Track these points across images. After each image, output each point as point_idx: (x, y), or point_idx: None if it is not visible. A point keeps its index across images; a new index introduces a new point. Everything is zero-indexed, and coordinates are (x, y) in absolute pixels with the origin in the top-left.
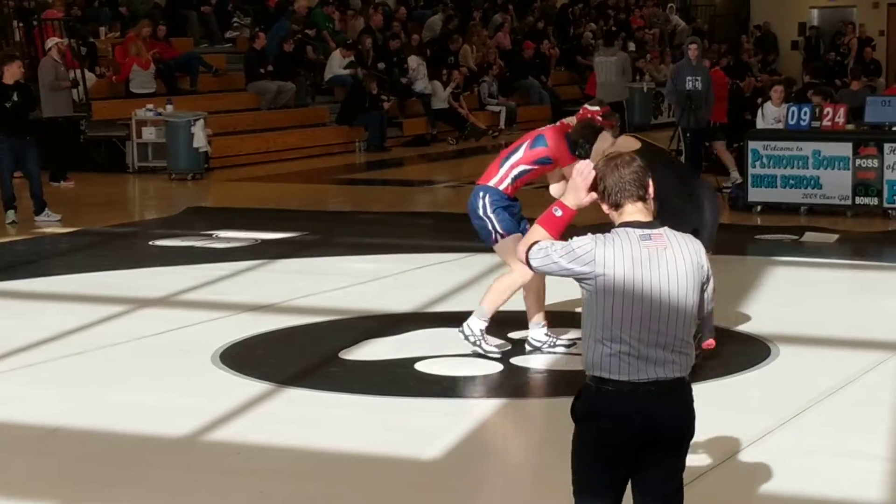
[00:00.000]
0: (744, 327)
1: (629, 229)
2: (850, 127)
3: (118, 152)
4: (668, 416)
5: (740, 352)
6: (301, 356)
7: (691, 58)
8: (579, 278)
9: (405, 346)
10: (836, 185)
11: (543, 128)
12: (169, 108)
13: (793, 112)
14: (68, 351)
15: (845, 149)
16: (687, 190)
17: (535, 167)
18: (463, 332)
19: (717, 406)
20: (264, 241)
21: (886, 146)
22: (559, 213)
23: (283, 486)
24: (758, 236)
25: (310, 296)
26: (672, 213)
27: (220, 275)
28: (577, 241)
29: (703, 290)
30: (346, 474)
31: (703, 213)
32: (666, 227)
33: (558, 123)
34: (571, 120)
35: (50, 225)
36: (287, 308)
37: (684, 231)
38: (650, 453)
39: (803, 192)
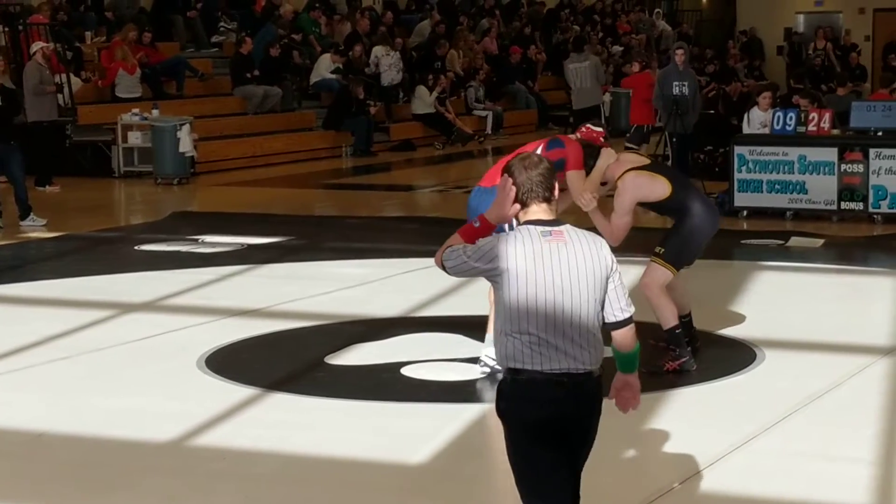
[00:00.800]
0: (729, 332)
1: (531, 227)
2: (835, 132)
3: (104, 157)
4: (578, 409)
5: (726, 356)
6: (287, 361)
7: (678, 63)
8: (488, 276)
9: (391, 350)
10: (822, 190)
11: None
12: (155, 112)
13: (778, 117)
14: (54, 356)
15: (831, 154)
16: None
17: None
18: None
19: (702, 410)
20: (250, 246)
21: (872, 151)
22: (477, 224)
23: (269, 491)
24: (744, 241)
25: (296, 300)
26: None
27: (206, 279)
28: (483, 241)
29: (607, 286)
30: (332, 479)
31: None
32: (568, 225)
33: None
34: (576, 137)
35: (35, 230)
36: (273, 313)
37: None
38: (561, 444)
39: (789, 197)
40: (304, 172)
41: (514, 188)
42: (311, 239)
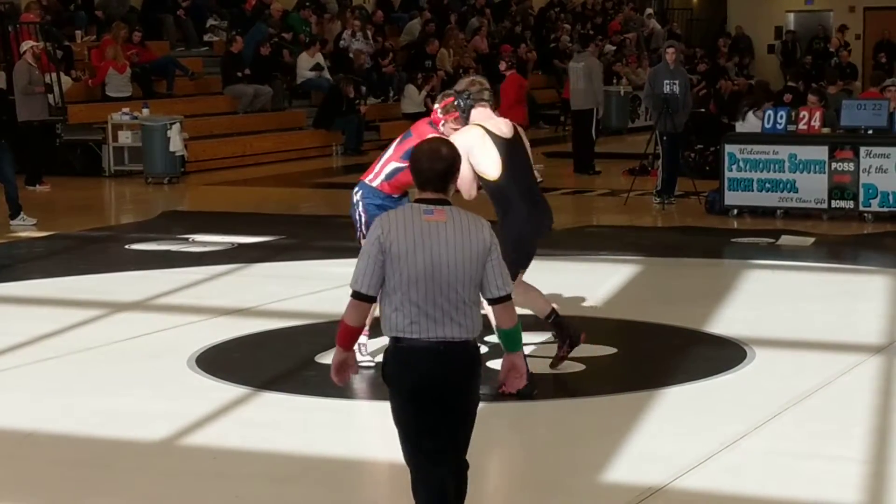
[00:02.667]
0: (719, 330)
1: (416, 205)
2: (825, 130)
3: (94, 156)
4: (453, 374)
5: (716, 355)
6: (278, 360)
7: (669, 62)
8: (382, 257)
9: (381, 349)
10: (812, 189)
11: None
12: (145, 111)
13: (769, 116)
14: (44, 355)
15: (821, 152)
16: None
17: (405, 163)
18: None
19: (692, 409)
20: (241, 245)
21: (862, 149)
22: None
23: (259, 490)
24: (734, 240)
25: (286, 299)
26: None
27: (196, 279)
28: (369, 234)
29: (486, 263)
30: (323, 478)
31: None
32: (452, 206)
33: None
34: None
35: (25, 229)
36: (263, 312)
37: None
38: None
39: (779, 196)
40: (294, 171)
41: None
42: (301, 238)
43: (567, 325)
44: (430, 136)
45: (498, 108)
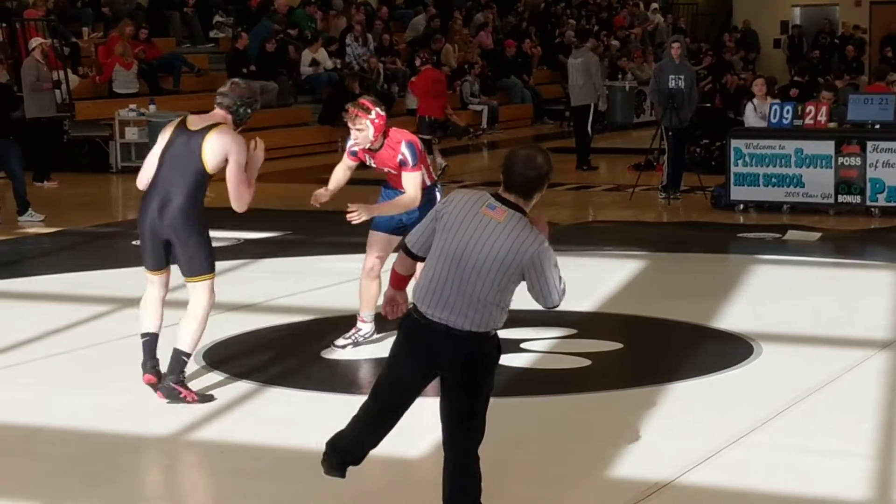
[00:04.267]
0: (726, 326)
1: (488, 195)
2: (832, 125)
3: (101, 152)
4: (450, 359)
5: (722, 350)
6: (284, 355)
7: (674, 57)
8: (435, 224)
9: (388, 345)
10: (819, 184)
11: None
12: (152, 108)
13: (775, 110)
14: (51, 351)
15: (828, 147)
16: None
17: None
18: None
19: (698, 405)
20: (247, 241)
21: (869, 144)
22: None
23: (267, 485)
24: (740, 235)
25: (292, 295)
26: None
27: None
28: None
29: (521, 277)
30: None
31: None
32: (518, 213)
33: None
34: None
35: (33, 225)
36: (270, 307)
37: None
38: (444, 382)
39: (786, 191)
40: (299, 167)
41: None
42: (307, 234)
43: None
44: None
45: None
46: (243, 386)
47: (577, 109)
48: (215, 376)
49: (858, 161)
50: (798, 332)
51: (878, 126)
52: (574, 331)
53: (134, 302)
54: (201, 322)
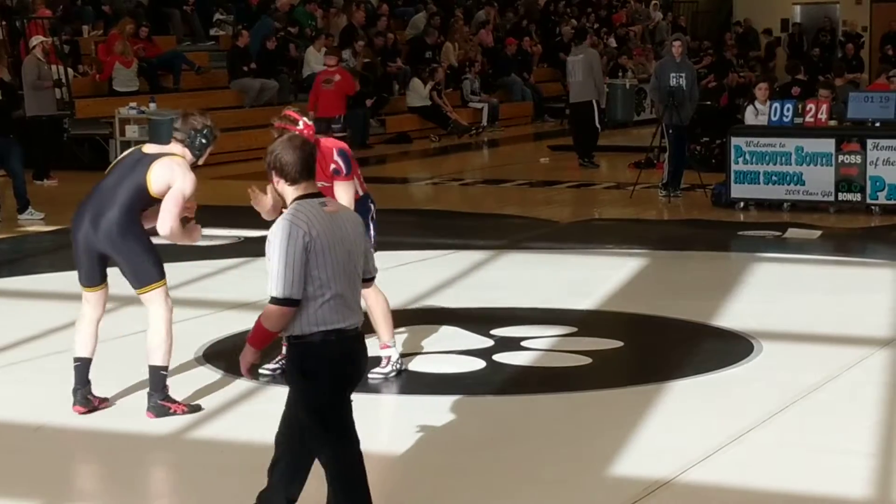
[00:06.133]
0: (727, 324)
1: (309, 200)
2: (832, 123)
3: (101, 150)
4: (364, 358)
5: (723, 348)
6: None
7: (675, 55)
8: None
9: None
10: (819, 182)
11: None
12: (152, 106)
13: (775, 108)
14: (52, 349)
15: (828, 145)
16: None
17: None
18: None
19: (700, 403)
20: (247, 239)
21: (869, 142)
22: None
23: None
24: (741, 233)
25: None
26: None
27: (203, 272)
28: (277, 233)
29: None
30: None
31: None
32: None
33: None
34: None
35: (33, 223)
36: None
37: None
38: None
39: (786, 189)
40: None
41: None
42: None
43: None
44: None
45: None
46: (244, 384)
47: (576, 106)
48: (214, 374)
49: (859, 159)
50: (798, 329)
51: (878, 124)
52: (574, 329)
53: (133, 300)
54: (167, 332)
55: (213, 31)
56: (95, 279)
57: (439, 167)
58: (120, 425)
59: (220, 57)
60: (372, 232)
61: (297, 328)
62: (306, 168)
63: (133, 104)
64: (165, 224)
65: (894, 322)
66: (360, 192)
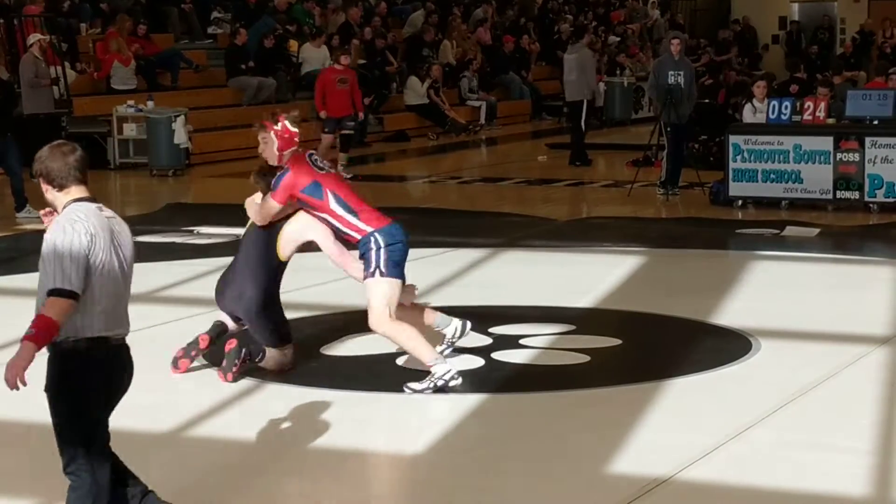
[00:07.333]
0: (724, 322)
1: (86, 203)
2: (830, 121)
3: (99, 149)
4: (129, 369)
5: (721, 346)
6: None
7: (674, 53)
8: (89, 259)
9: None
10: (817, 180)
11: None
12: (150, 104)
13: (773, 106)
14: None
15: (826, 143)
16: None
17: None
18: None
19: (697, 401)
20: None
21: (867, 140)
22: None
23: (266, 481)
24: (739, 231)
25: (291, 291)
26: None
27: (201, 271)
28: (55, 237)
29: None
30: (328, 469)
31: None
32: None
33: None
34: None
35: (31, 221)
36: None
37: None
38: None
39: (784, 187)
40: None
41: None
42: None
43: None
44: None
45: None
46: (241, 383)
47: (570, 105)
48: (213, 373)
49: (857, 157)
50: (797, 327)
51: (876, 122)
52: (573, 327)
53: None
54: None
55: (211, 30)
56: None
57: (437, 165)
58: (117, 423)
59: (217, 55)
60: (381, 265)
61: (62, 332)
62: (75, 173)
63: (131, 102)
64: None
65: (892, 320)
66: (357, 234)
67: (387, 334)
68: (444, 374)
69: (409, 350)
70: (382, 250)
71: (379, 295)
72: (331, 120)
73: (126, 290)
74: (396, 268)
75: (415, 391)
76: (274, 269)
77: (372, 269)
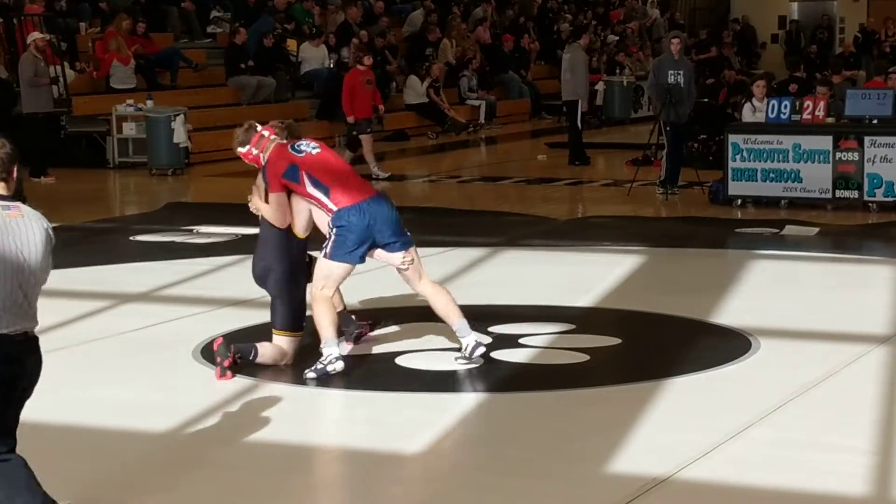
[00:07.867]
0: (724, 321)
1: None
2: (830, 120)
3: (98, 148)
4: (35, 366)
5: (720, 345)
6: None
7: (673, 52)
8: None
9: (386, 340)
10: (817, 179)
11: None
12: (149, 103)
13: (773, 105)
14: (49, 347)
15: (825, 142)
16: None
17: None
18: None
19: (696, 400)
20: (244, 236)
21: (867, 139)
22: None
23: (265, 481)
24: (738, 230)
25: None
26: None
27: (200, 270)
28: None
29: (50, 254)
30: (327, 469)
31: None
32: (22, 204)
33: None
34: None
35: None
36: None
37: None
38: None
39: (783, 186)
40: None
41: None
42: None
43: None
44: None
45: None
46: (241, 382)
47: (566, 104)
48: (213, 372)
49: (856, 156)
50: (796, 326)
51: (875, 121)
52: (572, 326)
53: (132, 297)
54: None
55: (210, 29)
56: None
57: (437, 164)
58: (117, 423)
59: (217, 54)
60: (329, 246)
61: None
62: None
63: (130, 101)
64: None
65: (891, 319)
66: (327, 214)
67: (312, 307)
68: (325, 359)
69: (315, 325)
70: (333, 231)
71: (317, 274)
72: (363, 121)
73: (31, 288)
74: (339, 250)
75: (308, 378)
76: (296, 243)
77: (322, 251)
